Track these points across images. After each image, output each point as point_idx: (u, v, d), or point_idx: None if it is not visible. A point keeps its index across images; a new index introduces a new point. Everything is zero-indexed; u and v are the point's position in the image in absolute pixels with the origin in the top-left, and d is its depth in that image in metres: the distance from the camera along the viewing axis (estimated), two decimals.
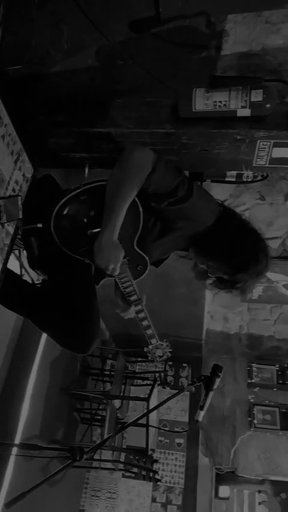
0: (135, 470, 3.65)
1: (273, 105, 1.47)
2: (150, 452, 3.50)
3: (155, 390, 3.65)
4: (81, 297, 1.61)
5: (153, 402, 3.54)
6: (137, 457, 3.43)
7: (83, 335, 1.60)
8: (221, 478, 4.26)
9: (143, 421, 2.96)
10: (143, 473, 3.44)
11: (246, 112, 1.47)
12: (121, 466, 3.57)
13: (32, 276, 2.14)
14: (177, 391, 1.40)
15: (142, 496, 4.08)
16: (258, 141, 1.53)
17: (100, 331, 1.71)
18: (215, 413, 4.31)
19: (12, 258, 1.66)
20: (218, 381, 1.35)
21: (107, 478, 4.11)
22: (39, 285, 1.90)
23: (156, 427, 3.78)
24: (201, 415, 1.34)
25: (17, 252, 1.93)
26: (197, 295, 3.44)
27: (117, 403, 3.87)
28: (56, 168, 1.83)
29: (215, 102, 1.47)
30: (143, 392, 4.34)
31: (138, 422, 1.39)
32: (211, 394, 1.34)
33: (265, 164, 1.63)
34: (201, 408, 1.34)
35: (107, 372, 4.26)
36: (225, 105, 1.46)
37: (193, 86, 1.50)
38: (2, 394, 2.64)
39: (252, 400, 4.38)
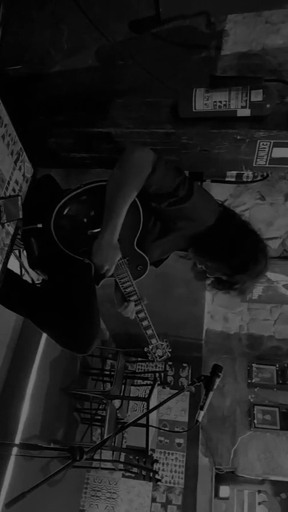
0: (135, 470, 3.65)
1: (273, 105, 1.47)
2: (150, 452, 3.50)
3: (155, 390, 3.65)
4: (81, 297, 1.61)
5: (153, 402, 3.54)
6: (137, 457, 3.43)
7: (83, 335, 1.60)
8: (221, 478, 4.26)
9: (143, 421, 2.96)
10: (143, 473, 3.44)
11: (246, 112, 1.47)
12: (121, 466, 3.56)
13: (32, 276, 2.15)
14: (177, 391, 1.40)
15: (142, 496, 4.08)
16: (258, 141, 1.53)
17: (100, 331, 1.71)
18: (215, 413, 4.31)
19: (12, 258, 1.66)
20: (218, 380, 1.35)
21: (107, 478, 4.11)
22: (39, 285, 1.90)
23: (156, 427, 3.79)
24: (201, 415, 1.34)
25: (17, 252, 1.93)
26: (197, 295, 3.44)
27: (117, 403, 3.87)
28: (56, 168, 1.83)
29: (215, 102, 1.47)
30: (143, 393, 4.35)
31: (138, 422, 1.39)
32: (211, 394, 1.34)
33: (265, 164, 1.63)
34: (201, 408, 1.34)
35: (107, 372, 4.26)
36: (225, 105, 1.46)
37: (193, 86, 1.50)
38: (2, 394, 2.64)
39: (252, 400, 4.38)
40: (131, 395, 4.26)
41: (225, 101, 1.46)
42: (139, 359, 4.29)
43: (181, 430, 4.33)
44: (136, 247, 1.44)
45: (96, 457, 3.50)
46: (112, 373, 4.01)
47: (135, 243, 1.43)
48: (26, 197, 1.50)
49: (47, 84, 1.63)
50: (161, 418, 4.40)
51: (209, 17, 1.42)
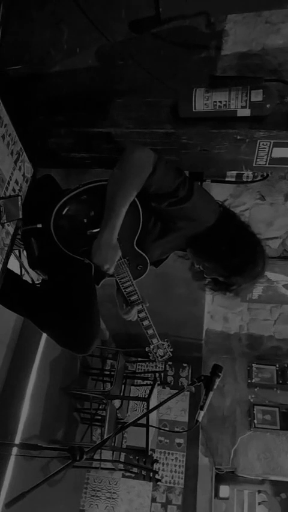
0: (135, 470, 3.65)
1: (273, 105, 1.47)
2: (150, 452, 3.50)
3: (155, 390, 3.65)
4: (81, 297, 1.62)
5: (153, 402, 3.54)
6: (137, 457, 3.43)
7: (83, 335, 1.60)
8: (221, 478, 4.26)
9: (143, 421, 2.96)
10: (143, 473, 3.44)
11: (246, 112, 1.47)
12: (121, 466, 3.57)
13: (32, 276, 2.15)
14: (177, 391, 1.40)
15: (142, 496, 4.08)
16: (258, 141, 1.53)
17: (100, 331, 1.71)
18: (215, 413, 4.31)
19: (12, 258, 1.66)
20: (218, 381, 1.35)
21: (107, 478, 4.11)
22: (39, 285, 1.90)
23: (156, 427, 3.79)
24: (201, 415, 1.34)
25: (17, 252, 1.93)
26: (197, 295, 3.44)
27: (117, 403, 3.87)
28: (56, 168, 1.83)
29: (215, 102, 1.47)
30: (143, 393, 4.35)
31: (138, 422, 1.39)
32: (211, 394, 1.34)
33: (265, 164, 1.63)
34: (201, 408, 1.34)
35: (107, 372, 4.26)
36: (225, 105, 1.46)
37: (193, 86, 1.50)
38: (2, 394, 2.64)
39: (252, 400, 4.38)
40: (131, 395, 4.26)
41: (225, 101, 1.46)
42: (139, 359, 4.29)
43: (181, 430, 4.33)
44: (136, 247, 1.44)
45: (96, 457, 3.50)
46: (112, 373, 4.01)
47: (135, 243, 1.43)
48: (26, 197, 1.50)
49: (47, 84, 1.63)
50: (161, 418, 4.40)
51: (209, 17, 1.42)
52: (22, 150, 1.44)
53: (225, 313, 4.00)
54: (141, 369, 4.58)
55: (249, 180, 2.01)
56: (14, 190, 1.42)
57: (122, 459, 3.63)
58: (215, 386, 1.34)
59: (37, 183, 1.60)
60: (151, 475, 3.44)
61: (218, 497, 4.22)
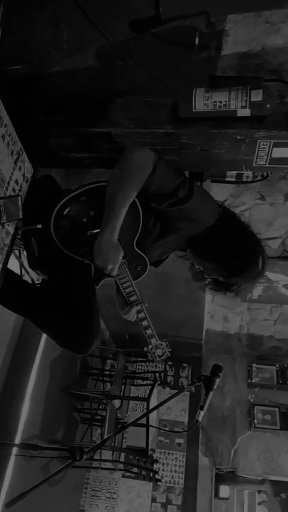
0: (135, 470, 3.65)
1: (273, 105, 1.47)
2: (150, 452, 3.50)
3: (155, 390, 3.65)
4: (81, 297, 1.61)
5: (153, 402, 3.54)
6: (137, 457, 3.43)
7: (83, 335, 1.60)
8: (221, 478, 4.26)
9: (143, 421, 2.96)
10: (143, 473, 3.44)
11: (246, 112, 1.47)
12: (121, 466, 3.57)
13: (32, 276, 2.15)
14: (177, 391, 1.40)
15: (142, 496, 4.08)
16: (258, 141, 1.53)
17: (100, 331, 1.71)
18: (215, 413, 4.31)
19: (12, 258, 1.66)
20: (218, 380, 1.35)
21: (107, 478, 4.11)
22: (39, 285, 1.90)
23: (156, 427, 3.79)
24: (201, 415, 1.34)
25: (17, 252, 1.94)
26: (197, 295, 3.44)
27: (117, 403, 3.87)
28: (56, 168, 1.83)
29: (215, 102, 1.47)
30: (143, 393, 4.35)
31: (138, 422, 1.39)
32: (211, 394, 1.34)
33: (265, 164, 1.63)
34: (201, 408, 1.34)
35: (107, 372, 4.27)
36: (225, 105, 1.46)
37: (193, 86, 1.50)
38: (2, 394, 2.64)
39: (252, 400, 4.38)
40: (131, 395, 4.26)
41: (225, 101, 1.46)
42: (139, 359, 4.29)
43: (181, 430, 4.33)
44: (136, 248, 1.44)
45: (96, 457, 3.50)
46: (112, 373, 4.01)
47: (134, 243, 1.43)
48: (26, 197, 1.50)
49: (47, 84, 1.63)
50: (161, 418, 4.40)
51: (209, 17, 1.42)
52: (22, 150, 1.44)
53: (225, 313, 4.00)
54: (141, 369, 4.58)
55: (249, 180, 2.01)
56: (14, 190, 1.42)
57: (122, 459, 3.63)
58: (215, 387, 1.34)
59: (37, 183, 1.60)
60: (151, 475, 3.44)
61: (218, 497, 4.22)
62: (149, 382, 4.12)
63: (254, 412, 4.30)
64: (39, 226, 1.43)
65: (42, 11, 1.39)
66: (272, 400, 4.35)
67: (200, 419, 1.33)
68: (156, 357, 1.54)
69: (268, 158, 1.60)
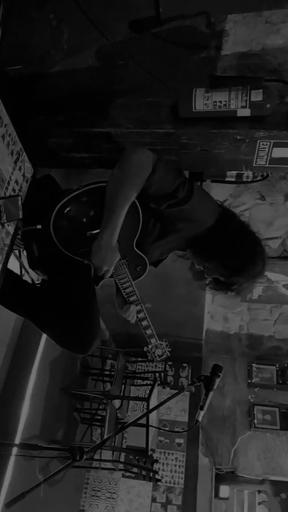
0: (135, 470, 3.65)
1: (273, 105, 1.46)
2: (150, 452, 3.50)
3: (155, 390, 3.65)
4: (81, 297, 1.61)
5: (153, 402, 3.54)
6: (137, 457, 3.43)
7: (83, 335, 1.60)
8: (221, 478, 4.26)
9: (143, 421, 2.96)
10: (143, 473, 3.44)
11: (246, 112, 1.47)
12: (121, 466, 3.57)
13: (32, 276, 2.15)
14: (177, 391, 1.40)
15: (142, 496, 4.08)
16: (258, 141, 1.53)
17: (100, 331, 1.71)
18: (215, 413, 4.31)
19: (12, 258, 1.66)
20: (218, 380, 1.35)
21: (107, 478, 4.11)
22: (39, 285, 1.90)
23: (156, 427, 3.79)
24: (201, 415, 1.34)
25: (17, 252, 1.93)
26: (197, 295, 3.44)
27: (117, 403, 3.87)
28: (56, 168, 1.83)
29: (215, 102, 1.47)
30: (143, 393, 4.35)
31: (138, 422, 1.39)
32: (211, 394, 1.34)
33: (265, 164, 1.63)
34: (201, 408, 1.34)
35: (107, 372, 4.27)
36: (225, 105, 1.46)
37: (193, 86, 1.50)
38: (2, 394, 2.64)
39: (252, 400, 4.38)
40: (131, 395, 4.26)
41: (225, 101, 1.46)
42: (139, 359, 4.29)
43: (181, 430, 4.33)
44: (135, 248, 1.44)
45: (96, 457, 3.50)
46: (112, 373, 4.01)
47: (134, 244, 1.43)
48: (26, 197, 1.50)
49: (47, 84, 1.63)
50: (161, 418, 4.40)
51: (209, 17, 1.42)
52: (22, 150, 1.44)
53: (225, 313, 4.00)
54: (141, 369, 4.58)
55: (249, 180, 2.01)
56: (14, 190, 1.42)
57: (122, 459, 3.63)
58: (215, 387, 1.34)
59: (37, 183, 1.60)
60: (151, 475, 3.44)
61: (218, 497, 4.22)
62: (149, 382, 4.12)
63: (254, 412, 4.30)
64: (39, 226, 1.43)
65: (42, 11, 1.39)
66: (272, 400, 4.36)
67: (200, 419, 1.33)
68: (156, 357, 1.54)
69: (268, 158, 1.60)
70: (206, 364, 4.47)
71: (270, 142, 1.53)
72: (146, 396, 3.57)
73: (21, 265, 2.06)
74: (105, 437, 3.35)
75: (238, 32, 1.49)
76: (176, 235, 1.45)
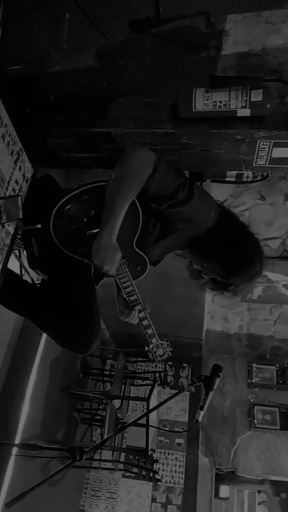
0: (135, 470, 3.65)
1: (273, 105, 1.46)
2: (150, 452, 3.50)
3: (155, 390, 3.65)
4: (81, 297, 1.61)
5: (153, 402, 3.54)
6: (137, 457, 3.43)
7: (83, 335, 1.60)
8: (221, 478, 4.27)
9: (143, 421, 2.96)
10: (143, 473, 3.44)
11: (246, 112, 1.47)
12: (121, 466, 3.57)
13: (32, 276, 2.15)
14: (177, 391, 1.40)
15: (142, 496, 4.08)
16: (258, 141, 1.53)
17: (100, 331, 1.71)
18: (215, 413, 4.31)
19: (12, 258, 1.67)
20: (218, 380, 1.35)
21: (107, 478, 4.11)
22: (39, 285, 1.90)
23: (156, 427, 3.79)
24: (201, 415, 1.34)
25: (17, 252, 1.94)
26: (197, 295, 3.44)
27: (117, 403, 3.87)
28: (56, 168, 1.83)
29: (215, 102, 1.47)
30: (143, 393, 4.35)
31: (138, 422, 1.39)
32: (211, 394, 1.34)
33: (265, 164, 1.62)
34: (201, 408, 1.34)
35: (107, 372, 4.27)
36: (225, 105, 1.46)
37: (193, 86, 1.49)
38: (2, 394, 2.64)
39: (252, 400, 4.38)
40: (131, 395, 4.26)
41: (225, 101, 1.46)
42: (139, 359, 4.29)
43: (181, 430, 4.33)
44: (135, 247, 1.44)
45: (96, 457, 3.50)
46: (112, 373, 4.01)
47: (134, 243, 1.43)
48: (26, 197, 1.50)
49: (47, 84, 1.63)
50: (161, 418, 4.40)
51: (209, 17, 1.42)
52: (22, 150, 1.44)
53: (225, 313, 4.00)
54: (141, 369, 4.58)
55: (249, 180, 2.01)
56: (14, 190, 1.42)
57: (122, 459, 3.63)
58: (215, 387, 1.34)
59: (37, 183, 1.60)
60: (151, 475, 3.44)
61: (218, 497, 4.23)
62: (149, 382, 4.12)
63: (254, 412, 4.30)
64: (39, 226, 1.43)
65: (42, 11, 1.39)
66: (272, 400, 4.36)
67: (200, 419, 1.33)
68: (157, 357, 1.54)
69: (268, 158, 1.59)
70: (206, 364, 4.47)
71: (270, 142, 1.53)
72: (146, 396, 3.57)
73: (21, 265, 2.06)
74: (105, 437, 3.35)
75: (238, 32, 1.49)
76: (176, 235, 1.45)
